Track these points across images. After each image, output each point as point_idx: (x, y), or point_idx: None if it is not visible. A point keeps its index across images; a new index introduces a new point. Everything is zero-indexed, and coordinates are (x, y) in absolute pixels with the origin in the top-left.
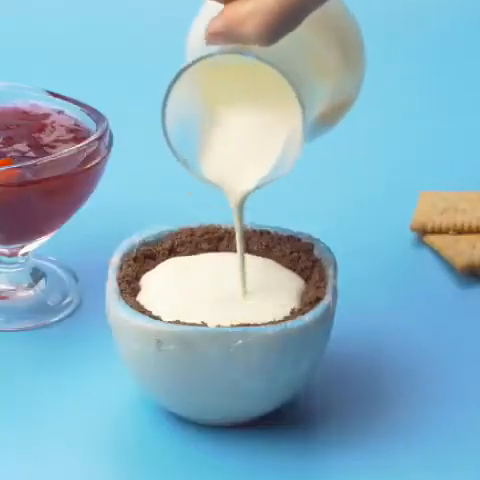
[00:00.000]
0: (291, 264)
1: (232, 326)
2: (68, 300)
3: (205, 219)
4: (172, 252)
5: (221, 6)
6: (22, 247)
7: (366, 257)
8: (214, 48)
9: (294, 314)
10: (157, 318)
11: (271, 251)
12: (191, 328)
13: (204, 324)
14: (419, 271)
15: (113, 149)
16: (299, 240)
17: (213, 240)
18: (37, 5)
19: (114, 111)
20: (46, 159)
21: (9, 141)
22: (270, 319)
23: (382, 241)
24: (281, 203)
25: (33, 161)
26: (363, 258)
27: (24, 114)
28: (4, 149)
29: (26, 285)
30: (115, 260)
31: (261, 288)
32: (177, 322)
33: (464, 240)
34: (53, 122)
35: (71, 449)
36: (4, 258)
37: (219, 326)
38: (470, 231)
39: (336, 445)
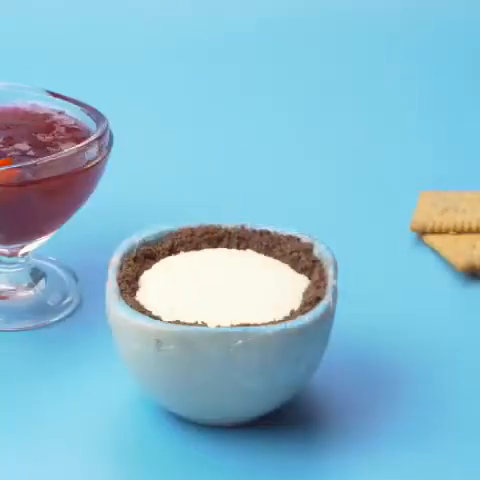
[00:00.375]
0: (291, 264)
1: (232, 326)
2: (68, 300)
3: (205, 219)
4: (172, 252)
5: None
6: (22, 247)
7: (366, 257)
8: None
9: (294, 314)
10: (157, 318)
11: (271, 251)
12: (191, 328)
13: (204, 324)
14: (419, 271)
15: (113, 149)
16: (299, 240)
17: (213, 240)
18: (37, 5)
19: (114, 111)
20: (46, 159)
21: (9, 141)
22: (270, 319)
23: (382, 241)
24: (281, 203)
25: (33, 161)
26: (363, 258)
27: (24, 114)
28: (4, 149)
29: (26, 285)
30: (115, 260)
31: (261, 288)
32: (177, 322)
33: (464, 240)
34: (53, 122)
35: (71, 449)
36: (4, 258)
37: (219, 326)
38: (470, 231)
39: (336, 445)
